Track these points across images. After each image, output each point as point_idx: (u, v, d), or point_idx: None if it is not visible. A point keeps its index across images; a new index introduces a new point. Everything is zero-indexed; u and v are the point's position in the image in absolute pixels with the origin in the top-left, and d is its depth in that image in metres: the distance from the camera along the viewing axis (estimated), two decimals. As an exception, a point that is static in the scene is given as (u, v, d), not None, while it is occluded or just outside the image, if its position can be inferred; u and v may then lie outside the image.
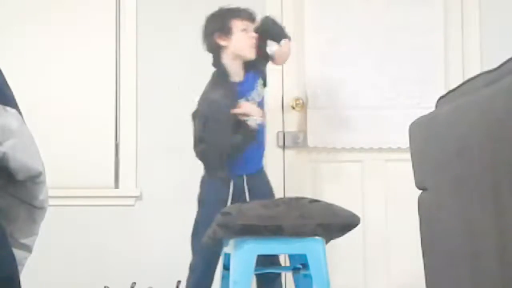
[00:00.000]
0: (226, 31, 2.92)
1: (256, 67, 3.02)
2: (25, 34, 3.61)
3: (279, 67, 3.63)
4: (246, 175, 2.95)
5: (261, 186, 3.00)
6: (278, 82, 3.61)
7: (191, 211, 3.37)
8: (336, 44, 3.60)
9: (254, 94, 2.97)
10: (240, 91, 2.94)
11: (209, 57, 3.66)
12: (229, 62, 2.95)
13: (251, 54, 2.96)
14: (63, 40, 3.65)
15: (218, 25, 2.94)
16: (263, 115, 3.00)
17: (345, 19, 3.62)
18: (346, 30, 3.61)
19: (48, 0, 3.65)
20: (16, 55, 3.56)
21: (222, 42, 2.93)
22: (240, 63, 2.97)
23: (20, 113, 1.37)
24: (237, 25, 2.93)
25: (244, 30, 2.93)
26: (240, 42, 2.93)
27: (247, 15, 2.97)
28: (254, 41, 2.95)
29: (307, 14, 3.60)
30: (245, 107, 2.91)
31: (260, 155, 3.07)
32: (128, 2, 3.63)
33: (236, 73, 2.97)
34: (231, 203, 2.82)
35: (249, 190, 2.92)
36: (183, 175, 3.49)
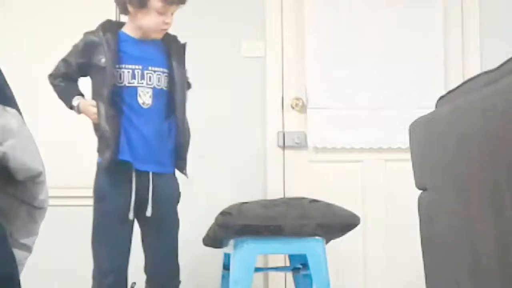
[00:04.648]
0: (141, 3, 2.57)
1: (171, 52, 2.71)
2: (25, 34, 3.61)
3: (279, 66, 3.63)
4: (153, 173, 2.62)
5: (165, 189, 2.67)
6: (278, 82, 3.61)
7: (190, 210, 3.36)
8: (336, 44, 3.60)
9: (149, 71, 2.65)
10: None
11: (210, 57, 3.67)
12: (129, 26, 2.69)
13: (156, 35, 2.65)
14: (63, 40, 3.64)
15: None
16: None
17: (345, 19, 3.61)
18: (346, 30, 3.61)
19: (48, 0, 3.65)
20: (16, 55, 3.56)
21: (130, 9, 2.61)
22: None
23: (20, 113, 1.37)
24: (155, 4, 2.56)
25: (161, 13, 2.58)
26: (149, 23, 2.60)
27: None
28: (165, 27, 2.62)
29: (307, 14, 3.59)
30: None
31: (166, 152, 2.70)
32: (128, 2, 3.63)
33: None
34: (136, 199, 2.59)
35: (153, 190, 2.62)
36: (182, 175, 3.49)
